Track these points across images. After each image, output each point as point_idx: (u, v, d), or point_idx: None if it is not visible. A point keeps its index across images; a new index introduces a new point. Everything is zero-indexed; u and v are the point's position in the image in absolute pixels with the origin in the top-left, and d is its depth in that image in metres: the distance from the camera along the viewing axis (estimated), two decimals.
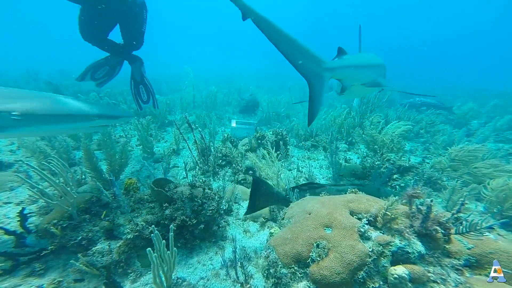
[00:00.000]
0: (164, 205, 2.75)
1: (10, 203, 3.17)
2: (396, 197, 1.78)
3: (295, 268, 1.74)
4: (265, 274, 2.02)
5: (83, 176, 3.62)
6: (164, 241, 1.93)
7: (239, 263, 2.42)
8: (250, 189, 2.89)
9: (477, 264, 1.62)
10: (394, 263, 1.60)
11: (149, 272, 2.36)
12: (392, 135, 5.15)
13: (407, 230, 1.66)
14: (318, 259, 1.67)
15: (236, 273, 2.35)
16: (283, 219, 2.28)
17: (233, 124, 6.26)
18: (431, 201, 1.62)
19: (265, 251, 1.95)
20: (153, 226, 1.95)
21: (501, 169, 3.97)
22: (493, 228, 1.71)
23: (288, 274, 1.73)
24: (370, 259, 1.61)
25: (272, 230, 2.31)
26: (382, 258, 1.61)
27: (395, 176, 4.49)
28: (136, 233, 2.52)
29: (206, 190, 3.05)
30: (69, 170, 2.69)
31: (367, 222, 1.82)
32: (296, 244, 1.81)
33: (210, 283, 2.33)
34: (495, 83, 25.56)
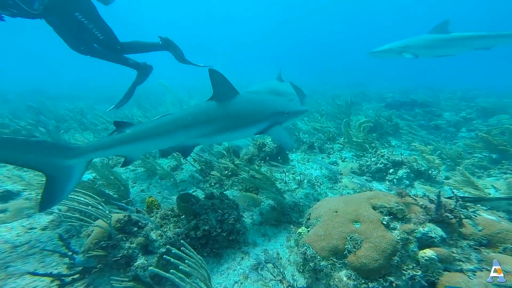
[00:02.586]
0: (190, 217, 2.91)
1: (35, 228, 3.20)
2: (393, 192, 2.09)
3: (334, 259, 1.96)
4: (301, 270, 2.24)
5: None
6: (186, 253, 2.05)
7: (271, 263, 2.62)
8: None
9: (489, 243, 1.91)
10: (421, 247, 1.87)
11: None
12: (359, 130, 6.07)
13: (423, 218, 1.93)
14: (354, 250, 1.90)
15: (271, 273, 2.53)
16: (309, 219, 2.51)
17: None
18: (439, 191, 1.92)
19: (301, 249, 2.16)
20: (168, 246, 2.11)
21: None
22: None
23: (328, 265, 1.95)
24: (399, 246, 1.86)
25: (300, 230, 2.52)
26: (410, 244, 1.87)
27: (391, 170, 4.86)
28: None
29: (225, 201, 3.23)
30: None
31: (388, 214, 2.08)
32: (331, 239, 2.03)
33: (244, 286, 2.50)
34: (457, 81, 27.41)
